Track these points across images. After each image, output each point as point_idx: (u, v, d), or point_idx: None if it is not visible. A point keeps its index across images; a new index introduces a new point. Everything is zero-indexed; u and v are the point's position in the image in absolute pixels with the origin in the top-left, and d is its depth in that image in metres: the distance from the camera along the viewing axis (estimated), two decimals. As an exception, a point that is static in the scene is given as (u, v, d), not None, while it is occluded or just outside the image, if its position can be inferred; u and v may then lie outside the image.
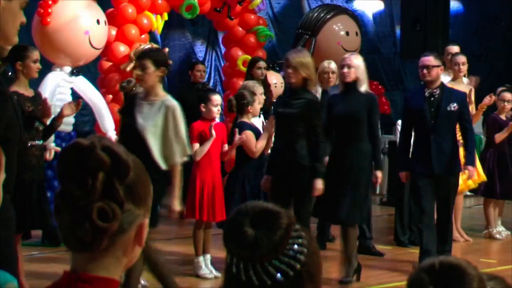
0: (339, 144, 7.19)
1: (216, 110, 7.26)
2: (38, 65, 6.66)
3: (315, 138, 6.77)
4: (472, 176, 7.78)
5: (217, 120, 7.58)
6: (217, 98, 7.32)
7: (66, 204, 1.68)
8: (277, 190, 6.84)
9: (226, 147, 7.34)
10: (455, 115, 7.47)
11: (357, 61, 7.19)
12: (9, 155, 3.28)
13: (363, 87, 7.16)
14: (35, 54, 6.68)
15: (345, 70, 7.12)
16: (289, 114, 6.82)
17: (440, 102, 7.43)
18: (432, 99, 7.45)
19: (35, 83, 8.58)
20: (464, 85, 9.33)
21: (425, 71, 7.48)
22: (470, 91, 8.99)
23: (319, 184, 6.75)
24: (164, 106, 6.02)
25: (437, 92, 7.47)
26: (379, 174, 7.19)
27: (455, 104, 7.45)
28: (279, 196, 6.71)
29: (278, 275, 1.66)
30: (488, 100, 9.35)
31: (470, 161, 7.63)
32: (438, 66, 7.49)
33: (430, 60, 7.50)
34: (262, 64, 9.65)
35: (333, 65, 8.73)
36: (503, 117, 9.51)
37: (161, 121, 5.99)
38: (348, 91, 7.16)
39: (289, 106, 6.85)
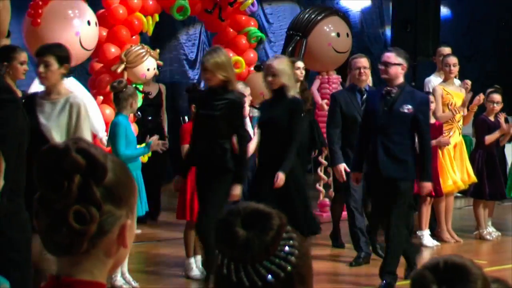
0: (266, 153, 6.92)
1: None
2: (25, 66, 6.63)
3: (239, 141, 6.50)
4: (427, 193, 7.20)
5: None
6: None
7: (44, 208, 1.67)
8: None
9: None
10: (409, 118, 6.90)
11: (281, 67, 6.84)
12: (20, 158, 3.28)
13: (292, 92, 6.87)
14: (23, 56, 6.66)
15: (270, 78, 6.85)
16: (211, 116, 6.52)
17: (394, 102, 6.93)
18: (388, 98, 6.96)
19: (26, 84, 8.56)
20: (456, 86, 9.36)
21: (383, 67, 7.03)
22: (467, 99, 9.07)
23: (237, 190, 6.46)
24: (69, 103, 5.73)
25: (395, 91, 6.96)
26: (280, 175, 6.69)
27: (409, 106, 6.90)
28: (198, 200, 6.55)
29: (269, 276, 1.66)
30: (477, 100, 9.37)
31: (425, 176, 6.99)
32: (398, 64, 6.98)
33: (390, 57, 7.03)
34: (300, 64, 9.23)
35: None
36: (491, 118, 9.53)
37: (66, 120, 5.71)
38: (275, 97, 6.90)
39: (210, 107, 6.52)
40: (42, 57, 5.77)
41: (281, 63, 6.90)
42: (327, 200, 10.13)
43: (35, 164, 1.68)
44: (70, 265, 1.70)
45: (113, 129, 7.00)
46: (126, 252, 1.75)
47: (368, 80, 8.23)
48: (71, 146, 1.66)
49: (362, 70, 8.07)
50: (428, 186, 7.06)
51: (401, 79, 7.03)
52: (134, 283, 6.84)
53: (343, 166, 7.76)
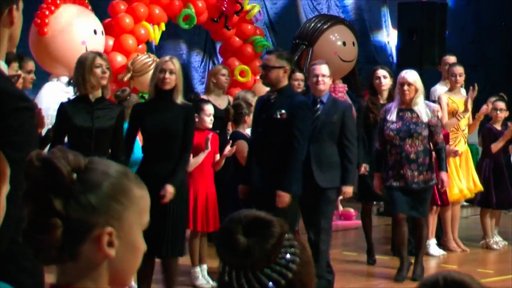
0: (152, 164, 6.11)
1: (209, 120, 7.23)
2: (32, 75, 6.66)
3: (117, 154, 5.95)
4: (282, 204, 6.24)
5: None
6: (209, 108, 7.29)
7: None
8: None
9: (217, 157, 7.33)
10: (283, 125, 6.29)
11: (178, 66, 6.16)
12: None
13: (180, 97, 6.13)
14: (30, 65, 6.69)
15: (167, 75, 6.05)
16: (105, 128, 5.93)
17: (271, 107, 6.36)
18: (268, 103, 6.39)
19: (32, 93, 8.58)
20: (461, 95, 9.34)
21: (263, 71, 6.49)
22: (467, 100, 9.00)
23: None
24: None
25: (273, 96, 6.38)
26: (169, 189, 5.92)
27: (283, 111, 6.29)
28: None
29: (270, 283, 1.66)
30: (485, 109, 9.35)
31: (285, 185, 6.24)
32: (280, 67, 6.35)
33: (270, 59, 6.43)
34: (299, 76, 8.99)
35: (410, 76, 7.60)
36: (497, 126, 9.50)
37: None
38: (164, 100, 6.12)
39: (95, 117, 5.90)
40: (26, 64, 5.84)
41: (177, 63, 6.22)
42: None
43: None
44: (66, 274, 1.70)
45: None
46: (120, 263, 1.71)
47: (326, 89, 7.09)
48: (36, 156, 1.67)
49: (320, 79, 6.97)
50: (284, 196, 6.27)
51: (283, 83, 6.42)
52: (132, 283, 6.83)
53: None
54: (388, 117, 7.61)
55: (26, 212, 1.66)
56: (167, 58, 6.31)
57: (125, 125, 6.20)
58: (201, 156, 7.06)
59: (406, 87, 7.54)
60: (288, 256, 1.69)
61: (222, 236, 1.70)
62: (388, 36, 16.18)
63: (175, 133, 6.10)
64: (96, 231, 1.68)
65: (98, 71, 5.86)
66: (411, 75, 7.63)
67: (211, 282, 7.22)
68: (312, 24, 11.40)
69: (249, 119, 7.41)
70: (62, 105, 6.02)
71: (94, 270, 1.70)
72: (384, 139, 7.60)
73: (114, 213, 1.70)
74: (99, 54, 6.03)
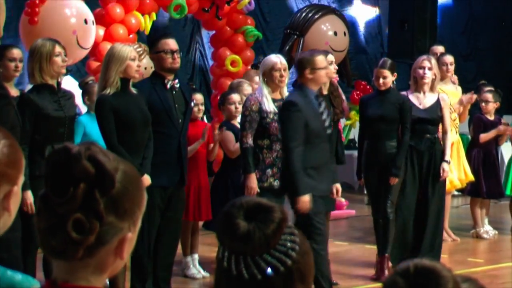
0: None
1: (197, 110, 7.25)
2: (17, 63, 6.66)
3: None
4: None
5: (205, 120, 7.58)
6: (198, 98, 7.33)
7: (46, 208, 1.65)
8: None
9: (211, 147, 7.34)
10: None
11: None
12: None
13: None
14: (13, 53, 6.70)
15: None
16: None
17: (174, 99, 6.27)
18: (173, 92, 6.25)
19: (23, 84, 8.55)
20: (451, 85, 9.35)
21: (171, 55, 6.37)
22: (463, 101, 9.03)
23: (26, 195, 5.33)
24: None
25: (177, 86, 6.29)
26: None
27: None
28: None
29: (269, 269, 1.66)
30: (470, 98, 9.28)
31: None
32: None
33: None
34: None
35: (284, 61, 6.66)
36: (489, 116, 9.50)
37: None
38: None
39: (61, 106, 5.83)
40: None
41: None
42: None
43: (46, 161, 1.67)
44: (68, 271, 1.68)
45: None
46: (123, 263, 1.74)
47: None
48: (83, 153, 1.64)
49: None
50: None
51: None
52: (131, 282, 6.83)
53: None
54: (266, 109, 6.48)
55: (66, 211, 1.62)
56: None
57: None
58: (196, 146, 7.06)
59: (284, 73, 6.50)
60: (288, 243, 1.69)
61: (223, 221, 1.70)
62: (379, 26, 16.18)
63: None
64: (120, 235, 1.68)
65: (58, 59, 5.72)
66: (283, 59, 6.61)
67: (202, 272, 7.23)
68: (303, 14, 11.39)
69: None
70: (25, 95, 5.76)
71: (103, 270, 1.70)
72: (266, 134, 6.51)
73: (135, 219, 1.71)
74: (57, 42, 5.86)
